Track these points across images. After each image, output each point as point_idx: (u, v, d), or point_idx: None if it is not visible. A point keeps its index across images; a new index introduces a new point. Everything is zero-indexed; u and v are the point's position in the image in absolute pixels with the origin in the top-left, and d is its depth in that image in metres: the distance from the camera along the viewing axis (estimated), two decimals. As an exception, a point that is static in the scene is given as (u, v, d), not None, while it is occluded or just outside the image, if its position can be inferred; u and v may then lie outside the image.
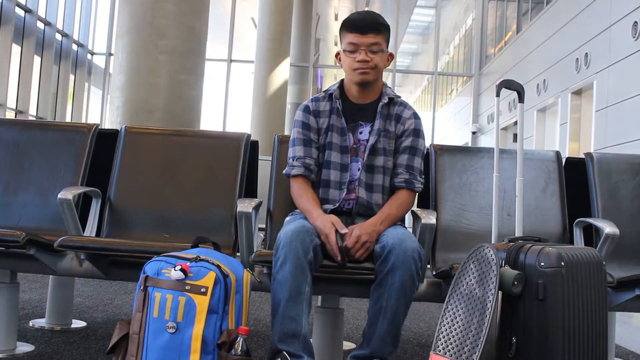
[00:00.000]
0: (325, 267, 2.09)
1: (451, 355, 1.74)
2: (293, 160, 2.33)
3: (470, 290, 1.78)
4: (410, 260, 1.98)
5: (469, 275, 1.80)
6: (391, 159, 2.34)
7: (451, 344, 1.76)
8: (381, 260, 2.02)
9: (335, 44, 22.22)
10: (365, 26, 2.26)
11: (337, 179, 2.31)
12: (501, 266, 1.76)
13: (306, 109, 2.38)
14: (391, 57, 2.35)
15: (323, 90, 2.43)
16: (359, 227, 2.12)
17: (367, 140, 2.32)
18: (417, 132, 2.36)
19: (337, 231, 2.07)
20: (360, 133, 2.34)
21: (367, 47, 2.26)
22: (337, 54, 2.36)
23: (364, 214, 2.28)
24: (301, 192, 2.29)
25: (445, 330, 1.79)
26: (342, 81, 2.41)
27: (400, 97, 2.42)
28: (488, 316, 1.69)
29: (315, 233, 2.08)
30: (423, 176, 2.38)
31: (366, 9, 18.46)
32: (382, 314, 1.99)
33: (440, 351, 1.76)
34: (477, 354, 1.68)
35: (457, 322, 1.77)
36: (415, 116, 2.37)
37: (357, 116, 2.36)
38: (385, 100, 2.34)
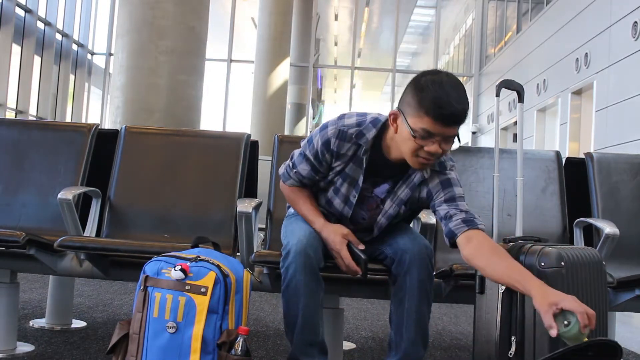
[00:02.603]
0: (325, 267, 2.07)
1: None
2: (293, 173, 2.10)
3: None
4: (425, 257, 1.95)
5: None
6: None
7: None
8: (396, 264, 1.98)
9: (336, 44, 22.05)
10: (454, 119, 1.81)
11: (339, 210, 2.10)
12: None
13: (326, 144, 1.98)
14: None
15: (356, 123, 1.98)
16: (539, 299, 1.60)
17: (383, 199, 2.05)
18: (448, 183, 1.97)
19: (349, 244, 1.98)
20: (378, 186, 2.05)
21: (443, 139, 1.84)
22: (394, 115, 1.89)
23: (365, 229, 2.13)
24: (296, 198, 2.13)
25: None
26: (381, 129, 1.97)
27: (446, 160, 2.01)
28: None
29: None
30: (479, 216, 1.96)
31: (366, 9, 18.44)
32: (407, 315, 1.94)
33: None
34: None
35: None
36: (441, 169, 1.98)
37: (380, 173, 2.02)
38: (427, 173, 1.98)
